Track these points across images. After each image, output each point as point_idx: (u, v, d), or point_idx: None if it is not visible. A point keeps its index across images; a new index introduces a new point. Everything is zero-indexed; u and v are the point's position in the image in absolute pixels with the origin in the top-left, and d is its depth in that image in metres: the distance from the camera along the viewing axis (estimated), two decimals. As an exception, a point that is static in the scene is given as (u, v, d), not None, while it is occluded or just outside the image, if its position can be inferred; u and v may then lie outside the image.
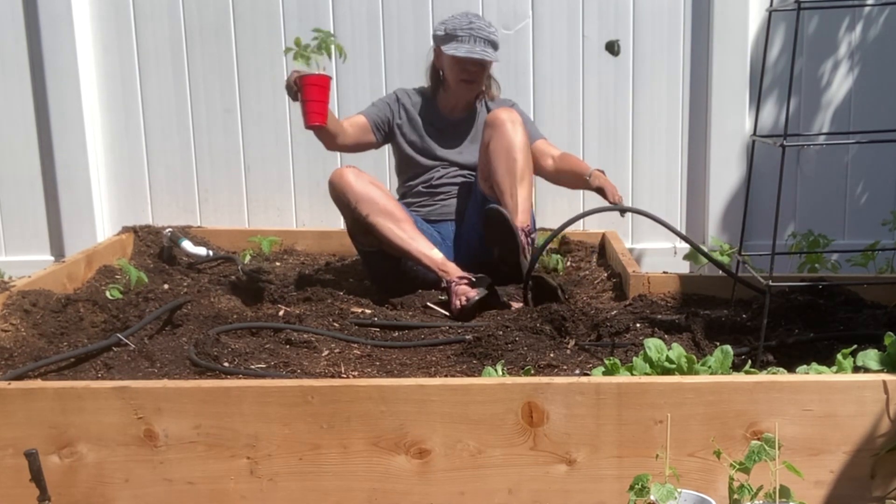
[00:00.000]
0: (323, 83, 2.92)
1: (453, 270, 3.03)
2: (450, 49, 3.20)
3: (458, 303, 2.88)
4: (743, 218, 2.56)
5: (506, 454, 1.82)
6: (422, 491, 1.83)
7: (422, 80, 3.96)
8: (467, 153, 3.39)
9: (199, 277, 3.44)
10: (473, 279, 2.96)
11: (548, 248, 3.41)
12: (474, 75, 3.27)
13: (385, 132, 3.39)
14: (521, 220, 3.04)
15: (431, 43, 3.36)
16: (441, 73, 3.35)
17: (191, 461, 1.84)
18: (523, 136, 3.10)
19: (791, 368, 2.01)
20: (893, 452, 1.79)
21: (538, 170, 3.36)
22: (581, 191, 3.71)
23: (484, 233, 3.08)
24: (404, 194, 3.45)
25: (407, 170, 3.42)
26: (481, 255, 3.18)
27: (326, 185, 4.03)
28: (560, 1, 3.93)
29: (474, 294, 2.87)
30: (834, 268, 3.46)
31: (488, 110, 3.38)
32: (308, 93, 2.90)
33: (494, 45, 3.23)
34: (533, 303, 2.93)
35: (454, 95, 3.35)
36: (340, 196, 3.11)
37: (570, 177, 3.27)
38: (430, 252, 3.08)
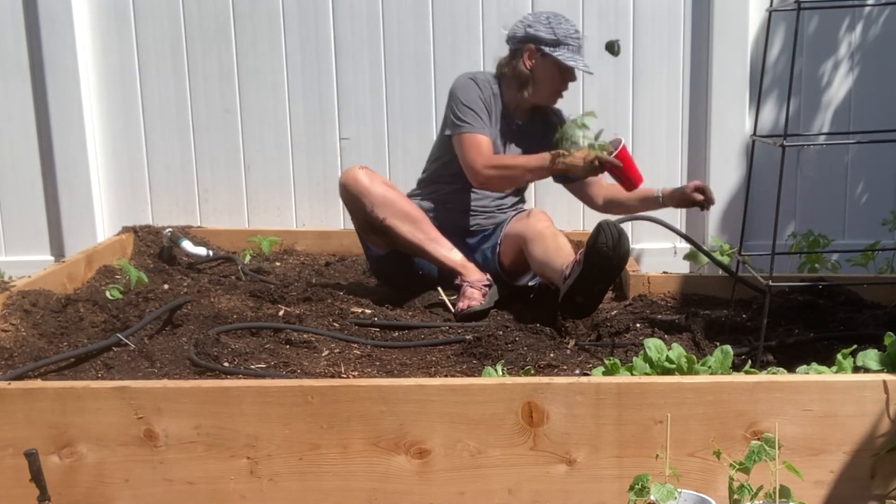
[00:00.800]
0: (625, 152, 2.89)
1: (472, 272, 3.00)
2: (565, 58, 3.04)
3: (462, 305, 2.88)
4: (743, 218, 2.56)
5: (506, 454, 1.82)
6: (422, 491, 1.83)
7: (421, 81, 3.98)
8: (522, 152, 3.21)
9: (199, 277, 3.44)
10: (489, 285, 2.97)
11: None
12: (568, 86, 3.19)
13: None
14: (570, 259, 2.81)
15: (513, 35, 3.14)
16: (527, 72, 3.11)
17: (191, 461, 1.84)
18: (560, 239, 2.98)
19: (791, 368, 2.02)
20: (893, 452, 1.79)
21: (588, 203, 3.30)
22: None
23: (589, 258, 2.63)
24: (431, 182, 3.27)
25: (450, 167, 3.19)
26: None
27: (326, 184, 4.07)
28: (560, 1, 3.93)
29: (476, 303, 2.87)
30: (834, 268, 3.45)
31: (545, 116, 3.24)
32: (625, 160, 2.88)
33: None
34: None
35: (536, 99, 3.16)
36: (355, 199, 3.06)
37: (633, 202, 3.14)
38: (449, 253, 3.04)
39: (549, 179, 3.36)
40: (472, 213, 3.22)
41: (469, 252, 3.16)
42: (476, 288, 2.93)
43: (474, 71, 3.36)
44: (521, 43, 3.12)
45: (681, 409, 1.79)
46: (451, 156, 3.15)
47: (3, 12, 3.88)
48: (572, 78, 3.15)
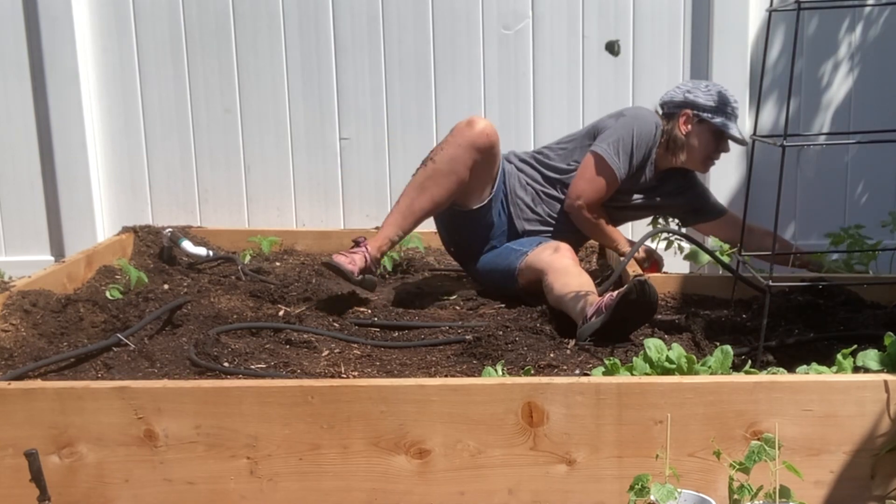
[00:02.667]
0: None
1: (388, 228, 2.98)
2: (726, 126, 3.10)
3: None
4: (743, 218, 2.56)
5: (506, 454, 1.82)
6: (422, 491, 1.83)
7: (421, 81, 3.98)
8: (644, 201, 3.30)
9: (199, 277, 3.44)
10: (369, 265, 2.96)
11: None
12: (720, 155, 3.22)
13: None
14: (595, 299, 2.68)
15: (671, 100, 3.20)
16: (682, 138, 3.16)
17: (191, 461, 1.84)
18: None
19: (791, 368, 2.02)
20: (893, 452, 1.79)
21: (730, 240, 3.28)
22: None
23: (620, 308, 2.48)
24: (535, 173, 3.24)
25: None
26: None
27: (326, 184, 4.08)
28: (560, 1, 3.92)
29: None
30: (837, 267, 3.45)
31: (675, 174, 3.29)
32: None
33: None
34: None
35: (688, 164, 3.22)
36: (460, 141, 2.93)
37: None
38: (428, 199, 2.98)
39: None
40: (543, 221, 3.24)
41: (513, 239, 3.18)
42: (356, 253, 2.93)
43: (652, 112, 3.27)
44: (678, 107, 3.16)
45: (681, 409, 1.79)
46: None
47: (3, 12, 3.88)
48: (726, 148, 3.21)
